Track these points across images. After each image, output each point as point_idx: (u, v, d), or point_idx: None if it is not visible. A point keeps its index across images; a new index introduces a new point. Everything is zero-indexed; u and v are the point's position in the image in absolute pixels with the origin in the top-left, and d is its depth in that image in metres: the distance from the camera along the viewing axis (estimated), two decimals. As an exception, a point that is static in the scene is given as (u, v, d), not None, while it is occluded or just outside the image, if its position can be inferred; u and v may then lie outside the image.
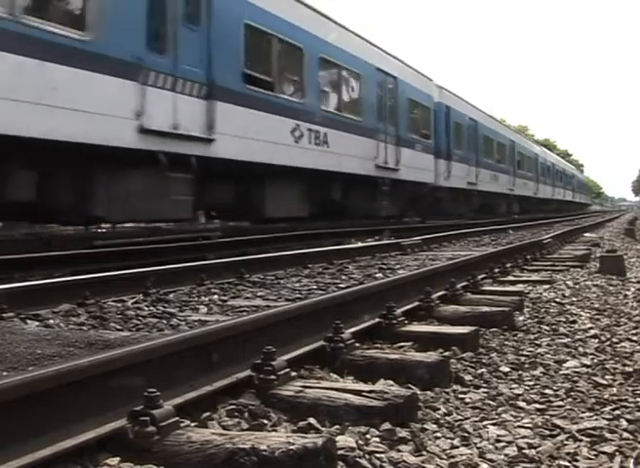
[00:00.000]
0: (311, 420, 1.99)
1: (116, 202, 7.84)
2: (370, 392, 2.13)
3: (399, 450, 1.86)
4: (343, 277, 6.29)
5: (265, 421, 2.02)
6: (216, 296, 4.90)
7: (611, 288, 5.46)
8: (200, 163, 8.63)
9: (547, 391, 2.49)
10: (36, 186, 6.96)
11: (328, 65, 12.90)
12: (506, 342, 3.32)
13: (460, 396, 2.42)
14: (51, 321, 3.80)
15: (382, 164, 14.47)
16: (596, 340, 3.36)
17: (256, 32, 10.48)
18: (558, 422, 2.12)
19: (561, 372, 2.76)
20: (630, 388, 2.53)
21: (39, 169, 7.04)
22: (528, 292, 4.95)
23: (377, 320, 3.26)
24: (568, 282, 5.71)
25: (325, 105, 12.77)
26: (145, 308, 4.31)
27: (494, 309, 3.79)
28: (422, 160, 17.31)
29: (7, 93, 6.28)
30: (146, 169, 8.08)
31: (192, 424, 1.91)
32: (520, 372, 2.76)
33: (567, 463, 1.81)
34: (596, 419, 2.15)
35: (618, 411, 2.23)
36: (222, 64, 9.31)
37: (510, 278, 5.91)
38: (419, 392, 2.34)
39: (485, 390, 2.50)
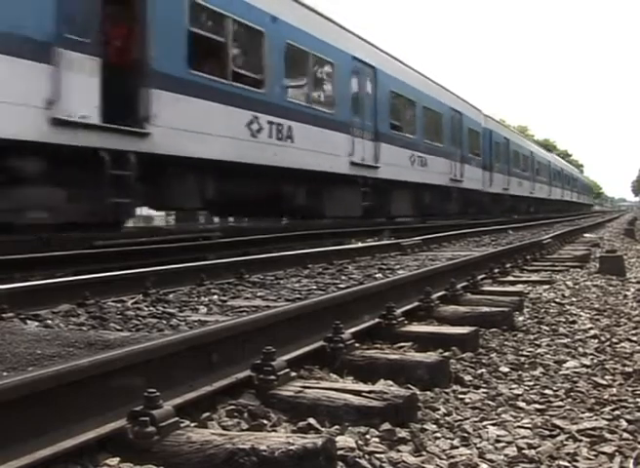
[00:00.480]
0: (311, 420, 1.99)
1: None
2: (369, 392, 2.13)
3: (399, 451, 1.86)
4: (343, 277, 6.29)
5: (265, 421, 2.02)
6: (215, 297, 4.90)
7: (611, 288, 5.46)
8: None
9: (547, 391, 2.49)
10: None
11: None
12: (506, 342, 3.32)
13: (460, 396, 2.42)
14: (51, 321, 3.80)
15: (454, 177, 20.77)
16: (596, 341, 3.36)
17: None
18: (558, 422, 2.12)
19: (561, 373, 2.76)
20: (630, 388, 2.53)
21: None
22: (528, 293, 4.95)
23: (376, 320, 3.26)
24: (568, 282, 5.71)
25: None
26: (145, 308, 4.31)
27: (493, 309, 3.79)
28: (476, 173, 23.44)
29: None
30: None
31: (192, 424, 1.91)
32: (520, 373, 2.76)
33: (567, 463, 1.81)
34: (596, 420, 2.15)
35: (617, 412, 2.23)
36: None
37: (510, 278, 5.91)
38: (418, 392, 2.34)
39: (485, 390, 2.50)
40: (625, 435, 2.02)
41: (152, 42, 8.21)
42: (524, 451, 1.88)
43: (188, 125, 8.92)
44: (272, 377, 2.22)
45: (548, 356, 3.04)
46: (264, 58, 10.71)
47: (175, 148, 8.66)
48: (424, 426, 2.07)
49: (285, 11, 11.39)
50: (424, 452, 1.86)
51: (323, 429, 1.96)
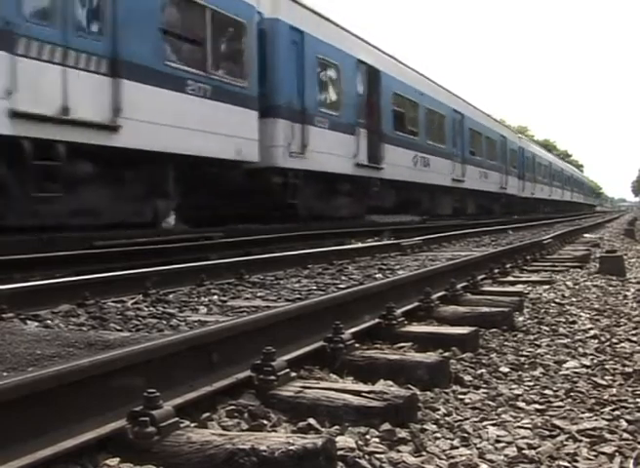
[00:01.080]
0: (311, 421, 1.99)
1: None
2: (369, 392, 2.13)
3: (399, 451, 1.86)
4: (343, 277, 6.30)
5: (265, 422, 2.02)
6: (215, 297, 4.90)
7: (610, 288, 5.46)
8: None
9: (547, 391, 2.49)
10: None
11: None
12: (506, 343, 3.32)
13: (460, 396, 2.42)
14: (50, 321, 3.80)
15: (503, 186, 29.21)
16: (596, 341, 3.36)
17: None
18: (558, 423, 2.12)
19: (561, 373, 2.76)
20: (630, 389, 2.53)
21: None
22: (528, 293, 4.95)
23: (376, 320, 3.26)
24: (568, 282, 5.71)
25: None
26: (145, 309, 4.31)
27: (493, 309, 3.79)
28: (515, 181, 32.11)
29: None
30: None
31: (192, 425, 1.91)
32: (520, 373, 2.76)
33: (567, 464, 1.81)
34: (596, 420, 2.15)
35: (617, 412, 2.23)
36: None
37: (510, 278, 5.91)
38: (418, 392, 2.34)
39: (485, 390, 2.50)
40: (625, 435, 2.02)
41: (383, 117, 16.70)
42: (524, 452, 1.88)
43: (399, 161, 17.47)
44: (272, 378, 2.22)
45: (548, 356, 3.04)
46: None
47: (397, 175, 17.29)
48: (424, 426, 2.07)
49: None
50: (424, 453, 1.86)
51: (323, 429, 1.96)
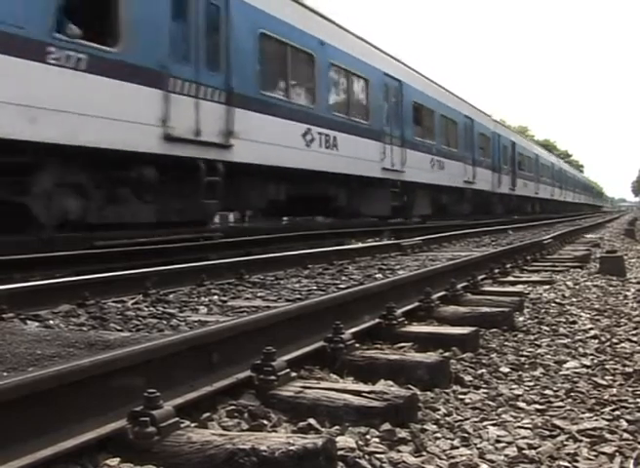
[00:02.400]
0: (311, 421, 1.99)
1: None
2: (370, 392, 2.13)
3: (399, 451, 1.86)
4: (343, 277, 6.30)
5: (265, 422, 2.02)
6: (216, 297, 4.90)
7: (611, 288, 5.46)
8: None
9: (547, 392, 2.49)
10: None
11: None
12: (506, 343, 3.32)
13: (460, 396, 2.42)
14: (51, 321, 3.81)
15: (536, 191, 34.79)
16: (596, 341, 3.36)
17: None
18: (558, 423, 2.12)
19: (561, 373, 2.76)
20: (630, 389, 2.53)
21: None
22: (528, 293, 4.95)
23: (377, 320, 3.26)
24: (568, 282, 5.71)
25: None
26: (145, 309, 4.31)
27: (494, 310, 3.79)
28: (548, 189, 38.43)
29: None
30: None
31: (192, 425, 1.91)
32: (520, 373, 2.76)
33: (567, 464, 1.81)
34: (596, 420, 2.15)
35: (617, 412, 2.23)
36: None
37: (510, 278, 5.91)
38: (418, 392, 2.34)
39: (485, 391, 2.50)
40: (626, 435, 2.02)
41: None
42: (524, 452, 1.88)
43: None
44: (272, 378, 2.22)
45: (548, 356, 3.04)
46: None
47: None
48: (425, 426, 2.07)
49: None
50: (425, 453, 1.86)
51: (323, 429, 1.96)
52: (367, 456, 1.79)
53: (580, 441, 1.97)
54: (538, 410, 2.27)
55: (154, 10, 8.21)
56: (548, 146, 67.36)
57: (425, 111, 18.51)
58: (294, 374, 2.33)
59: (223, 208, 10.96)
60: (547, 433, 2.04)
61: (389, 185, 15.43)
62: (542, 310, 4.26)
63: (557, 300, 4.68)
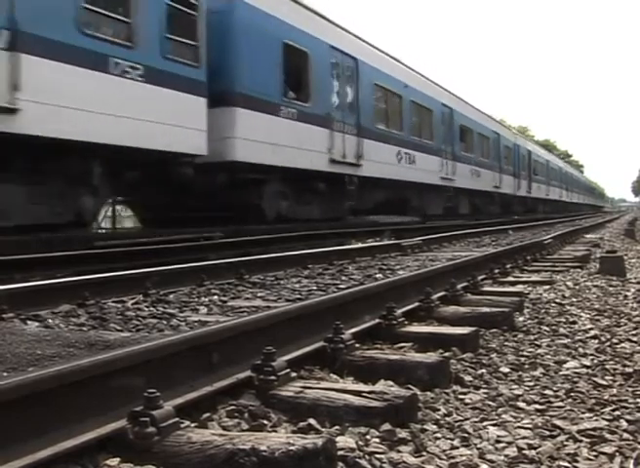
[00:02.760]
0: (311, 421, 1.99)
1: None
2: (370, 393, 2.13)
3: (399, 451, 1.86)
4: (343, 277, 6.30)
5: (265, 422, 2.02)
6: (216, 297, 4.90)
7: (611, 288, 5.46)
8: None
9: (547, 392, 2.49)
10: None
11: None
12: (506, 343, 3.32)
13: (460, 396, 2.42)
14: (51, 321, 3.80)
15: (562, 196, 45.46)
16: (596, 341, 3.36)
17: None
18: (558, 423, 2.12)
19: (561, 373, 2.76)
20: (630, 389, 2.53)
21: None
22: (528, 293, 4.95)
23: (377, 320, 3.26)
24: (568, 282, 5.71)
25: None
26: (145, 309, 4.31)
27: (494, 310, 3.79)
28: (575, 195, 48.85)
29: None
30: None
31: (192, 425, 1.91)
32: (520, 373, 2.76)
33: (567, 464, 1.81)
34: (596, 420, 2.15)
35: (618, 412, 2.23)
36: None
37: (510, 279, 5.91)
38: (419, 393, 2.34)
39: (485, 391, 2.50)
40: (626, 435, 2.02)
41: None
42: (524, 452, 1.88)
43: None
44: (272, 378, 2.22)
45: (549, 356, 3.04)
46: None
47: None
48: (425, 426, 2.07)
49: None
50: (425, 453, 1.86)
51: (323, 429, 1.96)
52: (367, 456, 1.79)
53: (580, 441, 1.97)
54: (538, 411, 2.27)
55: (325, 79, 13.69)
56: (548, 146, 67.61)
57: (468, 131, 24.45)
58: (294, 374, 2.33)
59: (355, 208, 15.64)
60: (547, 433, 2.04)
61: (444, 190, 21.31)
62: (542, 310, 4.26)
63: (557, 300, 4.68)
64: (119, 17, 8.80)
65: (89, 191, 8.75)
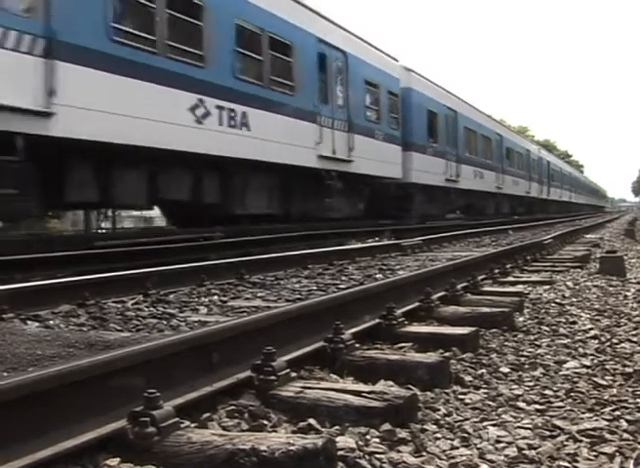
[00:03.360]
0: (311, 421, 1.99)
1: None
2: (370, 393, 2.13)
3: (399, 451, 1.86)
4: (343, 278, 6.30)
5: (265, 422, 2.02)
6: (216, 297, 4.90)
7: (611, 288, 5.46)
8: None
9: (547, 392, 2.49)
10: None
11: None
12: (506, 343, 3.32)
13: (460, 397, 2.42)
14: (51, 321, 3.81)
15: (570, 198, 52.04)
16: (596, 341, 3.36)
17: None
18: (558, 423, 2.12)
19: (561, 373, 2.76)
20: (630, 389, 2.53)
21: None
22: (528, 293, 4.95)
23: (377, 321, 3.26)
24: (568, 282, 5.71)
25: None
26: (145, 309, 4.31)
27: (494, 310, 3.79)
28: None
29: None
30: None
31: (192, 425, 1.91)
32: (520, 373, 2.76)
33: (567, 464, 1.81)
34: (596, 420, 2.15)
35: (618, 412, 2.23)
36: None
37: (510, 279, 5.91)
38: (418, 393, 2.34)
39: (485, 391, 2.50)
40: (626, 435, 2.02)
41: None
42: (524, 452, 1.88)
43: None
44: (272, 378, 2.22)
45: (548, 356, 3.04)
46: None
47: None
48: (425, 426, 2.07)
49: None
50: (425, 453, 1.86)
51: (323, 429, 1.96)
52: (367, 456, 1.79)
53: (580, 441, 1.97)
54: (538, 411, 2.27)
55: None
56: (548, 146, 67.84)
57: (516, 153, 32.75)
58: (294, 375, 2.33)
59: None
60: (547, 433, 2.04)
61: (495, 195, 28.26)
62: (542, 310, 4.26)
63: (557, 300, 4.68)
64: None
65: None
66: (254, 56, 11.64)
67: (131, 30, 8.93)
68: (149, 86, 9.03)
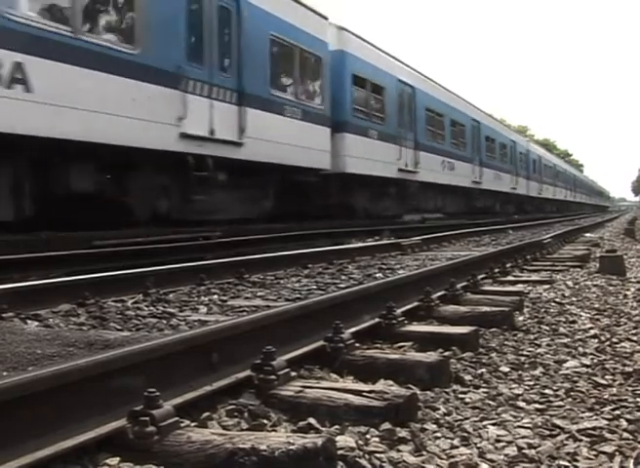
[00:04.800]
0: (311, 420, 1.99)
1: None
2: (370, 392, 2.13)
3: (399, 450, 1.86)
4: (343, 277, 6.29)
5: (265, 421, 2.02)
6: (215, 296, 4.89)
7: (611, 288, 5.46)
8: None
9: (547, 391, 2.49)
10: None
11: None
12: (506, 342, 3.32)
13: (460, 396, 2.42)
14: (51, 321, 3.80)
15: (572, 198, 55.16)
16: (596, 340, 3.36)
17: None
18: (558, 422, 2.12)
19: (561, 372, 2.76)
20: (630, 388, 2.53)
21: None
22: (528, 292, 4.95)
23: (376, 320, 3.26)
24: (568, 282, 5.71)
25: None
26: (145, 308, 4.31)
27: (494, 309, 3.79)
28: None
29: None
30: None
31: (192, 424, 1.91)
32: (520, 372, 2.76)
33: (567, 463, 1.81)
34: (596, 419, 2.15)
35: (617, 411, 2.23)
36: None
37: (510, 278, 5.91)
38: (418, 392, 2.33)
39: (485, 390, 2.50)
40: (626, 435, 2.02)
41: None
42: (524, 451, 1.88)
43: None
44: (272, 377, 2.22)
45: (548, 356, 3.04)
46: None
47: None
48: (425, 426, 2.07)
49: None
50: (425, 452, 1.86)
51: (323, 429, 1.96)
52: (367, 456, 1.79)
53: (580, 440, 1.97)
54: (537, 410, 2.27)
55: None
56: (548, 146, 68.02)
57: (544, 166, 39.85)
58: (294, 374, 2.33)
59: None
60: (547, 432, 2.04)
61: (515, 196, 32.13)
62: (542, 309, 4.26)
63: (557, 300, 4.68)
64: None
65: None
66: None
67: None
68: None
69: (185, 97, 9.27)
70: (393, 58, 17.43)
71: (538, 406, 2.31)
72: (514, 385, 2.57)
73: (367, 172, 15.20)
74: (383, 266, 7.36)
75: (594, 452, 1.89)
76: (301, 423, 1.99)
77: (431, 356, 2.75)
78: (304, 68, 12.79)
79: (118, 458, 1.69)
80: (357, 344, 2.81)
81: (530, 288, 5.22)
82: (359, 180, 15.24)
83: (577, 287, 5.45)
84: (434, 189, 20.30)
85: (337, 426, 1.98)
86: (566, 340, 3.36)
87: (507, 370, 2.79)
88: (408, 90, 18.00)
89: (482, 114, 27.32)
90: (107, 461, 1.68)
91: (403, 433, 1.96)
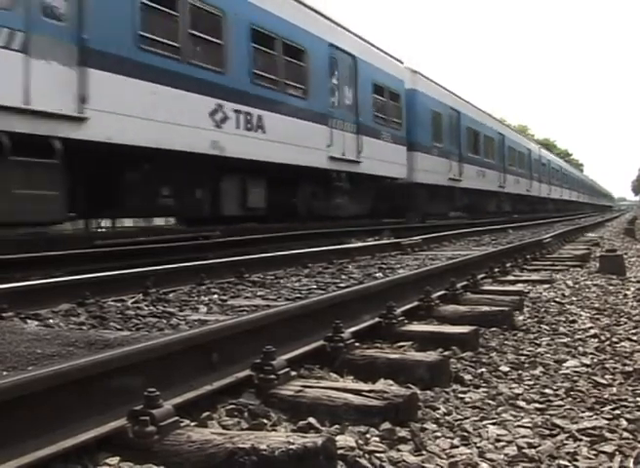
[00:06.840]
0: (311, 420, 1.99)
1: None
2: (370, 392, 2.13)
3: (399, 450, 1.86)
4: (343, 276, 6.29)
5: (265, 421, 2.02)
6: (215, 296, 4.90)
7: (611, 287, 5.46)
8: None
9: (547, 390, 2.49)
10: None
11: None
12: (506, 342, 3.32)
13: (460, 395, 2.42)
14: (51, 320, 3.80)
15: (577, 198, 58.01)
16: (596, 340, 3.36)
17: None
18: (558, 422, 2.12)
19: (561, 372, 2.76)
20: (630, 388, 2.53)
21: None
22: (528, 292, 4.95)
23: (376, 319, 3.26)
24: (568, 281, 5.71)
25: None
26: (145, 308, 4.31)
27: (494, 309, 3.79)
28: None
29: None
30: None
31: (192, 424, 1.91)
32: (520, 372, 2.76)
33: (567, 463, 1.81)
34: (596, 419, 2.15)
35: (617, 411, 2.23)
36: None
37: (510, 277, 5.91)
38: (418, 392, 2.33)
39: (485, 390, 2.50)
40: (625, 434, 2.02)
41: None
42: (524, 451, 1.88)
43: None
44: (272, 377, 2.22)
45: (548, 355, 3.04)
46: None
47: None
48: (425, 425, 2.07)
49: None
50: (424, 452, 1.86)
51: (323, 428, 1.96)
52: (367, 455, 1.79)
53: (580, 440, 1.97)
54: (537, 409, 2.27)
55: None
56: (548, 145, 68.09)
57: (554, 171, 43.21)
58: (294, 373, 2.33)
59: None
60: (547, 432, 2.04)
61: (531, 198, 34.75)
62: (542, 309, 4.26)
63: (557, 299, 4.68)
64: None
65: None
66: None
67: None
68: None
69: (332, 131, 13.70)
70: (445, 89, 22.14)
71: (537, 405, 2.31)
72: (514, 385, 2.57)
73: (429, 181, 19.65)
74: (383, 266, 7.36)
75: (594, 452, 1.89)
76: (301, 423, 1.99)
77: (431, 355, 2.75)
78: (391, 103, 17.36)
79: (118, 458, 1.69)
80: (357, 344, 2.81)
81: (530, 287, 5.22)
82: (423, 187, 19.46)
83: (577, 286, 5.45)
84: (472, 193, 24.51)
85: (337, 426, 1.98)
86: (566, 340, 3.36)
87: (507, 369, 2.79)
88: (455, 114, 22.56)
89: (505, 127, 33.37)
90: (107, 461, 1.68)
91: (403, 432, 1.96)
